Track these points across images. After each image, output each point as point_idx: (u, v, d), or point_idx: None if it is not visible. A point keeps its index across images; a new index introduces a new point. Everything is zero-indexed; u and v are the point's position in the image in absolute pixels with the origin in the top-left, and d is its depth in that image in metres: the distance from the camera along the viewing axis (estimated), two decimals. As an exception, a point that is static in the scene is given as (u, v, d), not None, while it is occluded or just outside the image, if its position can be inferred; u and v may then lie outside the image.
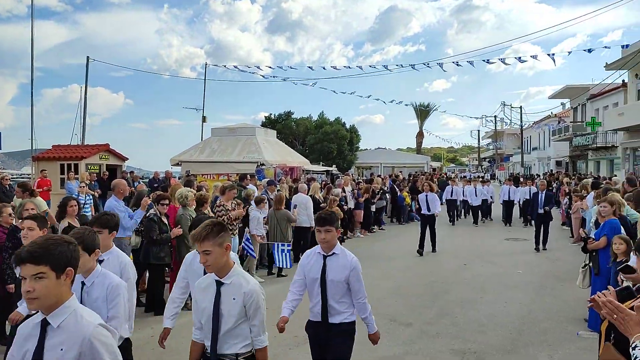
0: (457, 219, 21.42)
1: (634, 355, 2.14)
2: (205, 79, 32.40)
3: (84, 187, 13.41)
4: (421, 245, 13.53)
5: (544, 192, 14.30)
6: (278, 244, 10.62)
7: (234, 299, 3.32)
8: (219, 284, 3.36)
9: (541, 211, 13.88)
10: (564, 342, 6.50)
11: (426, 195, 13.74)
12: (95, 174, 18.90)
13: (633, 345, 2.16)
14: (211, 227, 3.29)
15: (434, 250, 13.70)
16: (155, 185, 18.17)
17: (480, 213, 21.18)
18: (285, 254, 10.52)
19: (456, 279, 10.34)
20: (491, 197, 21.95)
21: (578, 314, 7.50)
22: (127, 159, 23.17)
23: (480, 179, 25.51)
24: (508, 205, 20.70)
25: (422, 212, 13.90)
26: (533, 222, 14.97)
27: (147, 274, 8.63)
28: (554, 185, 24.02)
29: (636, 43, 24.48)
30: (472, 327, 7.14)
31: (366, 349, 6.32)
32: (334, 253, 4.20)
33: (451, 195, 21.35)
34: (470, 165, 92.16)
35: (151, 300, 8.07)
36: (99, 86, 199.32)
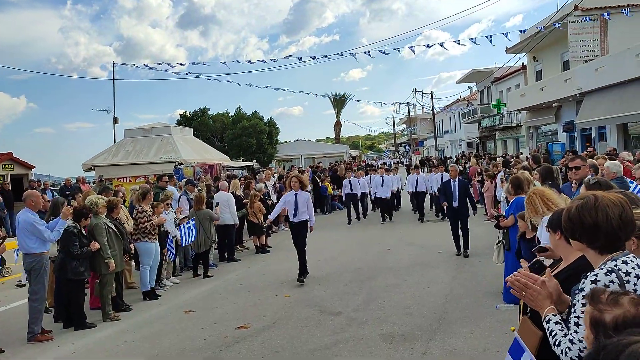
0: (362, 217, 18.41)
1: (549, 328, 2.25)
2: (114, 79, 31.08)
3: (-14, 200, 12.57)
4: (301, 270, 9.48)
5: (457, 180, 11.65)
6: (183, 224, 10.36)
7: None
8: None
9: (456, 204, 11.26)
10: (484, 316, 6.81)
11: (295, 195, 9.64)
12: (-2, 186, 17.70)
13: (547, 319, 2.28)
14: None
15: (300, 279, 9.33)
16: (67, 192, 17.28)
17: (387, 207, 17.68)
18: (190, 228, 10.29)
19: (381, 264, 10.58)
20: (399, 187, 19.63)
21: (495, 288, 7.89)
22: (33, 167, 21.98)
23: (386, 167, 22.35)
24: (417, 197, 17.28)
25: (290, 219, 9.84)
26: (447, 217, 12.41)
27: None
28: (466, 165, 25.00)
29: (532, 27, 25.95)
30: (398, 310, 7.34)
31: (298, 342, 6.35)
32: None
33: (351, 190, 17.78)
34: (388, 151, 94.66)
35: (69, 315, 7.66)
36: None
